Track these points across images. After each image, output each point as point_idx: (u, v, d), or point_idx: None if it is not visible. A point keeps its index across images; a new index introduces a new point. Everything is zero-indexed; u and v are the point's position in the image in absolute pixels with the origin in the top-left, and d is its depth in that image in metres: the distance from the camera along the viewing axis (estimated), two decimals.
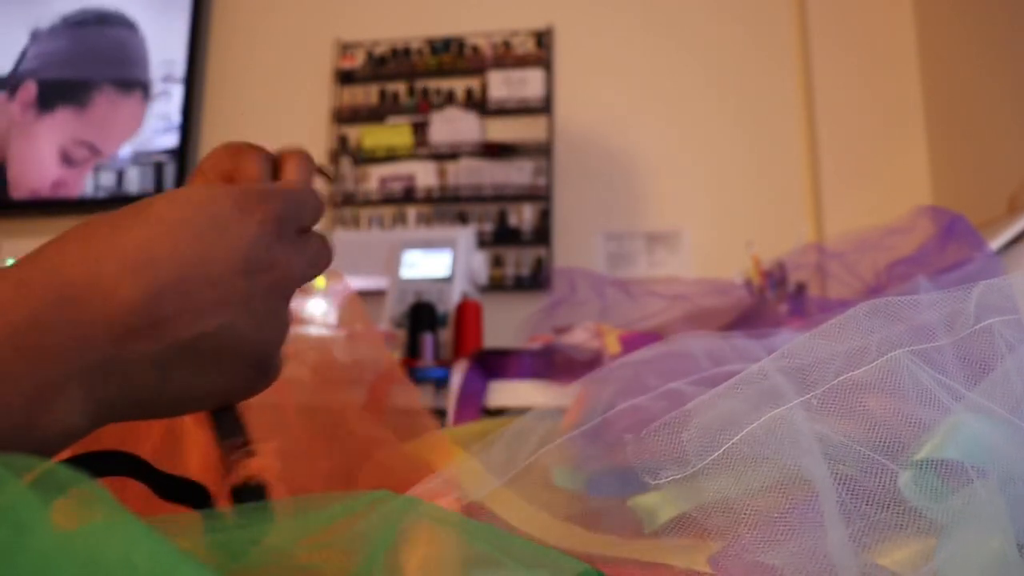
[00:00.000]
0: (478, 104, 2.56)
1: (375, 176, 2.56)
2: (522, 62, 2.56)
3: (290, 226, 0.30)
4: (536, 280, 2.41)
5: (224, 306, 0.27)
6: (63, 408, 0.23)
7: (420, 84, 2.62)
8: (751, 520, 0.27)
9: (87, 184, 2.66)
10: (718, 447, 0.27)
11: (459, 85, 2.60)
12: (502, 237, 2.46)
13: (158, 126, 2.67)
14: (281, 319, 0.30)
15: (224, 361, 0.28)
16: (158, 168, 2.63)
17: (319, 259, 0.32)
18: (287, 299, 0.30)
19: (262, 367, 0.29)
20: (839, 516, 0.25)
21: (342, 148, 2.58)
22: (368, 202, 2.54)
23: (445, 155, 2.54)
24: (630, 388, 0.36)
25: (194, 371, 0.27)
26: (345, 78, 2.64)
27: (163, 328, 0.25)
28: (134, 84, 2.71)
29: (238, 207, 0.28)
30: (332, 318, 1.69)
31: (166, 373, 0.26)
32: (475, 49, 2.61)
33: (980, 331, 0.28)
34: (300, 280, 0.31)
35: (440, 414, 1.12)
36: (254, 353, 0.29)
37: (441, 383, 1.14)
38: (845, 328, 0.29)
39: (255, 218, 0.28)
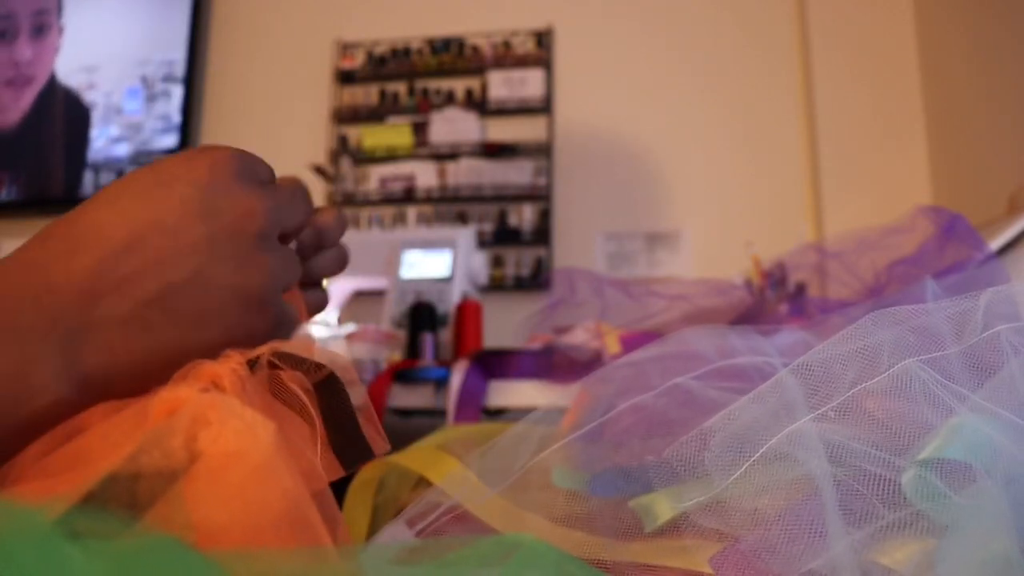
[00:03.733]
0: (478, 104, 2.56)
1: (375, 176, 2.56)
2: (522, 62, 2.56)
3: (245, 172, 0.29)
4: (536, 280, 2.41)
5: (188, 253, 0.26)
6: (45, 379, 0.24)
7: (420, 84, 2.62)
8: (751, 520, 0.27)
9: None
10: (739, 465, 0.27)
11: (459, 85, 2.60)
12: (502, 237, 2.46)
13: (158, 126, 2.67)
14: (264, 261, 0.28)
15: (207, 311, 0.27)
16: None
17: (293, 205, 0.31)
18: (264, 241, 0.28)
19: (258, 310, 0.28)
20: (840, 515, 0.25)
21: (342, 148, 2.58)
22: (368, 202, 2.54)
23: (445, 155, 2.54)
24: (632, 387, 0.36)
25: (178, 325, 0.26)
26: (345, 78, 2.64)
27: (128, 285, 0.25)
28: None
29: (183, 160, 0.28)
30: (332, 318, 1.69)
31: (149, 332, 0.25)
32: (475, 49, 2.61)
33: (988, 338, 0.28)
34: (272, 223, 0.29)
35: (440, 414, 1.12)
36: (240, 297, 0.27)
37: (441, 383, 1.14)
38: (857, 337, 0.29)
39: (203, 164, 0.28)
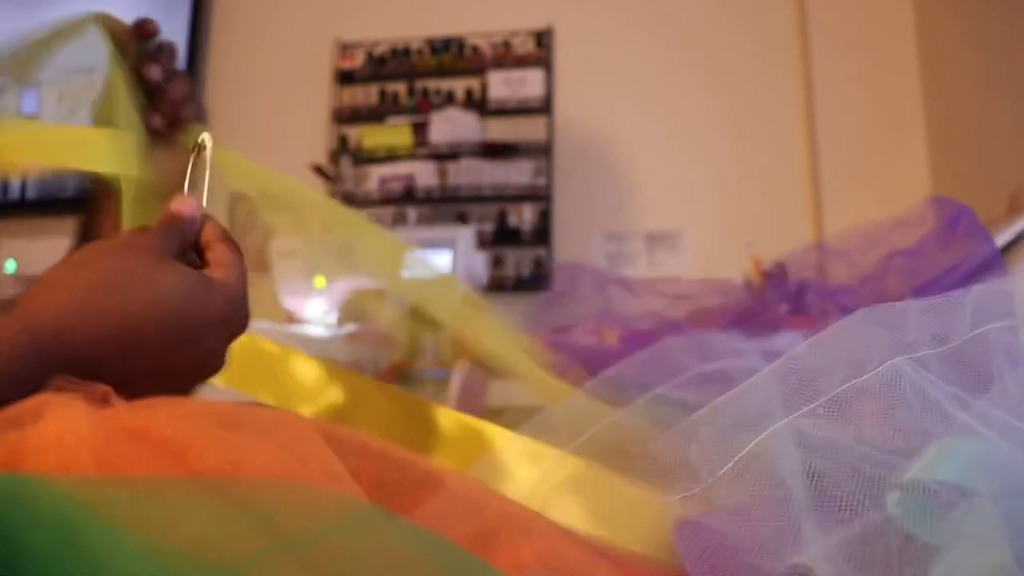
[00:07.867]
0: (478, 104, 2.56)
1: (375, 176, 2.56)
2: (522, 62, 2.55)
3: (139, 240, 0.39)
4: (536, 280, 2.41)
5: (108, 260, 0.37)
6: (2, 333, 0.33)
7: (420, 84, 2.62)
8: (733, 513, 0.27)
9: None
10: (727, 460, 0.27)
11: (459, 85, 2.60)
12: (502, 237, 2.45)
13: None
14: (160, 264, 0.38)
15: (120, 284, 0.36)
16: None
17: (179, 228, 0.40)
18: (154, 252, 0.38)
19: (149, 280, 0.37)
20: (816, 513, 0.25)
21: (342, 148, 2.58)
22: (368, 202, 2.54)
23: (445, 155, 2.54)
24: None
25: (96, 290, 0.35)
26: (345, 78, 2.63)
27: (60, 285, 0.36)
28: None
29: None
30: (332, 318, 1.68)
31: (84, 299, 0.35)
32: (475, 49, 2.61)
33: (977, 337, 0.28)
34: (158, 246, 0.38)
35: None
36: (138, 279, 0.37)
37: (441, 383, 1.14)
38: (844, 335, 0.29)
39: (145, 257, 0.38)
